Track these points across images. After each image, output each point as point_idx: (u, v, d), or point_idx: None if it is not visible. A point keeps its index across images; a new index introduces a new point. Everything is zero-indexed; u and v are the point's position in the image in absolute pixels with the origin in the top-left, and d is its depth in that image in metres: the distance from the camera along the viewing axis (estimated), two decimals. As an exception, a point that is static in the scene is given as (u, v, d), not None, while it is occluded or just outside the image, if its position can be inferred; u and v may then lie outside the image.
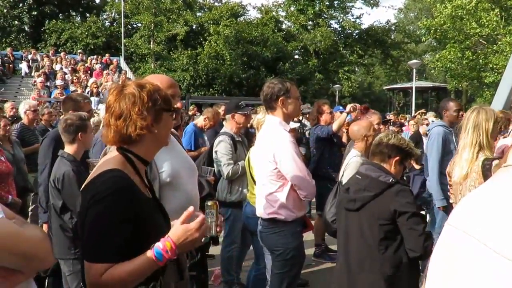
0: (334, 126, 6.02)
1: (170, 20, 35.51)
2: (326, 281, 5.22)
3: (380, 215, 2.84)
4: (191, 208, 1.83)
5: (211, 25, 34.77)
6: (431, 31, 27.55)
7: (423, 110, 11.94)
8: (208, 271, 5.41)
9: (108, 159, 1.86)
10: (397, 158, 3.00)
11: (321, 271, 5.93)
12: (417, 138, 8.27)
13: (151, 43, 35.11)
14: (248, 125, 5.41)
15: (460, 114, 5.01)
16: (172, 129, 3.11)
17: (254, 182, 4.25)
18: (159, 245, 1.72)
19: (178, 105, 2.44)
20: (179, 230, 1.76)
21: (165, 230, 1.86)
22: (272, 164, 3.36)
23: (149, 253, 1.72)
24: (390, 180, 2.88)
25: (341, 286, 3.10)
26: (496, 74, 24.60)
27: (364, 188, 2.95)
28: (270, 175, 3.40)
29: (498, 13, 24.51)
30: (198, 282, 3.16)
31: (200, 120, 6.74)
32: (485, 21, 24.56)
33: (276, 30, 37.35)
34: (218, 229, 2.46)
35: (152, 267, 1.73)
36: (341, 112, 8.88)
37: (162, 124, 1.87)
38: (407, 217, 2.77)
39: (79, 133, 3.66)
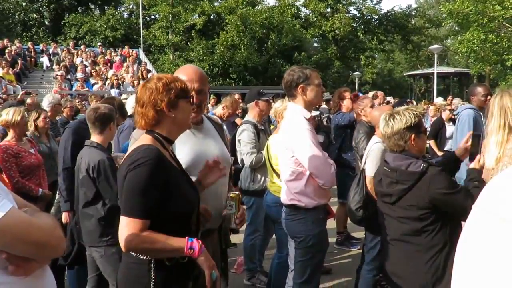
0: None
1: (187, 10, 35.51)
2: (349, 269, 5.21)
3: (419, 205, 2.75)
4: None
5: (227, 15, 34.64)
6: (453, 15, 27.03)
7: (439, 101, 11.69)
8: (231, 260, 5.46)
9: (140, 139, 2.18)
10: (412, 135, 2.88)
11: (344, 258, 5.93)
12: (439, 125, 8.15)
13: (169, 34, 35.19)
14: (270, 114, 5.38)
15: (487, 98, 4.91)
16: (216, 118, 3.15)
17: (273, 170, 4.25)
18: (194, 240, 2.04)
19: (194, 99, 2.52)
20: (212, 261, 2.10)
21: (194, 199, 2.20)
22: (289, 152, 3.36)
23: (182, 246, 2.03)
24: (421, 167, 2.77)
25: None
26: (519, 57, 24.08)
27: (396, 181, 2.86)
28: (288, 162, 3.39)
29: (523, -6, 23.89)
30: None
31: (218, 110, 6.74)
32: (508, 3, 23.98)
33: (294, 18, 37.04)
34: (237, 222, 2.47)
35: (179, 248, 2.02)
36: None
37: (179, 109, 2.16)
38: (451, 199, 2.67)
39: (111, 123, 3.73)
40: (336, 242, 6.26)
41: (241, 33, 33.26)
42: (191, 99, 2.24)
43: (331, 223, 6.11)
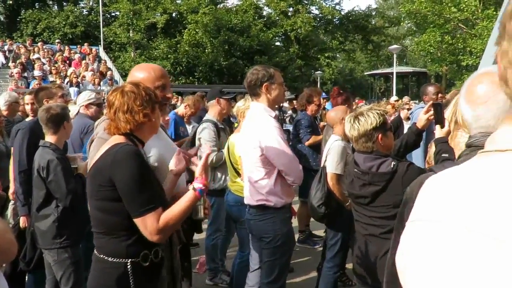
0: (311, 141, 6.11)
1: (148, 8, 35.06)
2: (311, 266, 5.26)
3: (395, 204, 2.72)
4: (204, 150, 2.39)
5: (189, 14, 34.46)
6: (412, 16, 27.76)
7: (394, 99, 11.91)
8: (193, 260, 5.42)
9: (111, 139, 2.20)
10: (379, 135, 2.90)
11: (306, 256, 5.98)
12: (398, 123, 8.30)
13: (130, 31, 34.67)
14: (230, 113, 5.38)
15: (439, 96, 5.04)
16: None
17: (234, 169, 4.24)
18: (200, 186, 2.17)
19: (169, 95, 2.67)
20: (203, 171, 2.24)
21: (166, 200, 2.26)
22: (258, 151, 3.31)
23: (192, 193, 2.16)
24: (392, 166, 2.79)
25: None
26: (474, 57, 24.91)
27: (369, 183, 2.88)
28: (256, 162, 3.35)
29: (477, -3, 24.77)
30: (181, 270, 3.14)
31: (180, 108, 6.68)
32: (464, 5, 24.81)
33: (256, 17, 37.14)
34: (206, 212, 2.55)
35: (195, 203, 2.20)
36: (323, 99, 8.87)
37: (156, 113, 2.27)
38: None
39: (64, 122, 3.64)
40: (298, 241, 6.30)
41: (213, 32, 33.14)
42: (160, 104, 2.36)
43: (293, 222, 6.15)
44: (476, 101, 1.57)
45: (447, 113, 3.31)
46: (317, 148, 6.07)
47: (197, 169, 2.26)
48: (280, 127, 3.40)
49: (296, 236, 6.28)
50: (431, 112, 3.08)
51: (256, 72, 3.37)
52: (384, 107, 3.05)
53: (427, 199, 0.82)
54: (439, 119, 3.01)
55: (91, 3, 39.24)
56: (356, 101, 13.43)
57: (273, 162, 3.30)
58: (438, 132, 2.99)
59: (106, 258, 2.13)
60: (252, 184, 3.44)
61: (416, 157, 4.96)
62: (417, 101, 9.68)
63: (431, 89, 5.23)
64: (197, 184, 2.18)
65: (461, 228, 0.73)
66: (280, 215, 3.43)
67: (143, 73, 2.58)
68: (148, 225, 2.04)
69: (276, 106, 3.65)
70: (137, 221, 2.05)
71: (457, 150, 3.22)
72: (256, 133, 3.36)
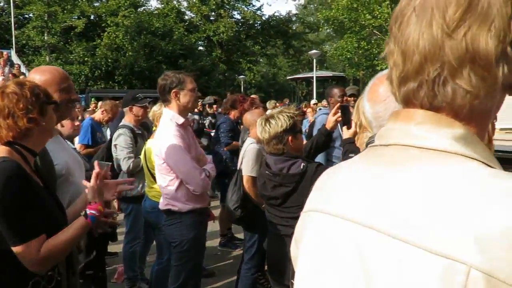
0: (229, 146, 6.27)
1: (65, 11, 33.74)
2: (232, 269, 5.28)
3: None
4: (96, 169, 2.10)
5: (109, 17, 33.62)
6: (330, 22, 28.78)
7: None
8: (111, 269, 5.28)
9: None
10: (289, 137, 2.97)
11: (227, 260, 5.99)
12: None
13: (45, 34, 33.18)
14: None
15: (344, 98, 5.22)
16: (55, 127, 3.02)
17: (151, 175, 4.19)
18: (92, 213, 1.97)
19: (75, 96, 2.50)
20: (96, 191, 2.04)
21: (60, 218, 2.03)
22: (160, 159, 3.34)
23: (83, 221, 1.96)
24: (302, 167, 2.88)
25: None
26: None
27: (280, 184, 2.94)
28: (160, 169, 3.38)
29: (389, 5, 26.14)
30: (96, 281, 3.05)
31: (97, 114, 6.49)
32: (377, 12, 26.09)
33: (178, 21, 36.87)
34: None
35: (86, 231, 1.98)
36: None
37: (48, 116, 1.99)
38: None
39: None
40: (219, 244, 6.33)
41: (134, 35, 32.46)
42: (56, 105, 2.08)
43: (215, 226, 6.15)
44: (376, 99, 1.62)
45: (354, 115, 3.48)
46: (237, 152, 6.12)
47: (89, 192, 2.04)
48: (184, 135, 3.36)
49: (218, 240, 6.33)
50: (339, 114, 3.22)
51: (166, 78, 3.37)
52: (294, 110, 3.11)
53: (314, 190, 0.89)
54: (346, 121, 3.15)
55: (1, 4, 37.07)
56: (277, 104, 13.75)
57: (173, 170, 3.31)
58: (345, 133, 3.13)
59: None
60: (161, 189, 3.48)
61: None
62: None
63: (336, 91, 5.34)
64: (89, 210, 1.97)
65: (332, 217, 0.79)
66: (186, 220, 3.41)
67: (45, 74, 2.37)
68: (26, 254, 1.81)
69: (191, 111, 3.65)
70: (15, 249, 1.80)
71: (362, 150, 3.40)
72: (158, 141, 3.38)
